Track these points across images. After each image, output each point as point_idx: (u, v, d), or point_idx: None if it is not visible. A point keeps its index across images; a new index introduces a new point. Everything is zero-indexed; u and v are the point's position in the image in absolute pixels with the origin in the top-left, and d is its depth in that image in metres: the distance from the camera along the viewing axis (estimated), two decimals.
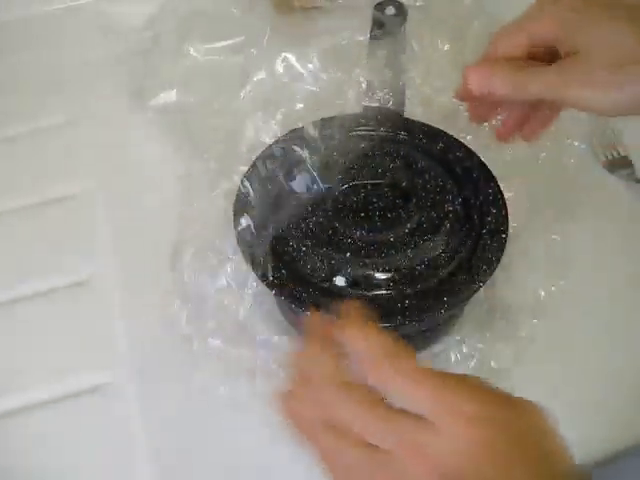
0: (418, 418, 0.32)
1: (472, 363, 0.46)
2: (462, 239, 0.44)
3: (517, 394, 0.33)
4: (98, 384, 0.46)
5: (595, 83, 0.41)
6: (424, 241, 0.44)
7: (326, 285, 0.43)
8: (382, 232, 0.44)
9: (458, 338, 0.47)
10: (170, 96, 0.61)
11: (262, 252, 0.43)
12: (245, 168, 0.49)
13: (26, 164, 0.60)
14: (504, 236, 0.45)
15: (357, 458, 0.33)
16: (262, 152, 0.50)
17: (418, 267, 0.43)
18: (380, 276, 0.43)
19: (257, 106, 0.58)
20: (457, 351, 0.46)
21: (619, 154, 0.57)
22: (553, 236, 0.50)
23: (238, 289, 0.47)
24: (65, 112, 0.63)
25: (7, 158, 0.60)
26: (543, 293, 0.48)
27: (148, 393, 0.46)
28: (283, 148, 0.50)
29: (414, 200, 0.46)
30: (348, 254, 0.43)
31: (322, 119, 0.52)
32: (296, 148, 0.50)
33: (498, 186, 0.47)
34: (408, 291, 0.42)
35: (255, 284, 0.46)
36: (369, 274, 0.43)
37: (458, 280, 0.43)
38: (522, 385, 0.35)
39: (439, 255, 0.43)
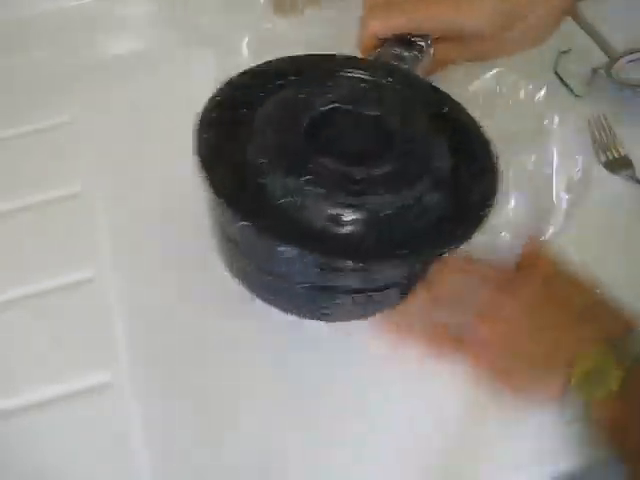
0: None
1: None
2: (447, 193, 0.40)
3: None
4: (98, 384, 0.46)
5: None
6: (407, 188, 0.39)
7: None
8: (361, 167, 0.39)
9: None
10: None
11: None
12: None
13: (26, 164, 0.60)
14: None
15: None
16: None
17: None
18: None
19: None
20: None
21: (619, 154, 0.57)
22: (551, 234, 0.50)
23: None
24: (65, 112, 0.63)
25: (7, 158, 0.60)
26: None
27: (148, 393, 0.46)
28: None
29: (397, 142, 0.41)
30: (322, 189, 0.38)
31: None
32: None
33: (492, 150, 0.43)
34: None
35: None
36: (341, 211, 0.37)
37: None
38: None
39: (422, 200, 0.39)
